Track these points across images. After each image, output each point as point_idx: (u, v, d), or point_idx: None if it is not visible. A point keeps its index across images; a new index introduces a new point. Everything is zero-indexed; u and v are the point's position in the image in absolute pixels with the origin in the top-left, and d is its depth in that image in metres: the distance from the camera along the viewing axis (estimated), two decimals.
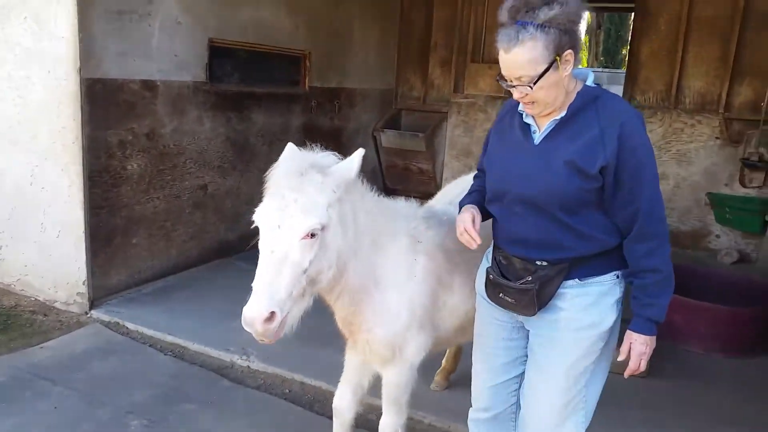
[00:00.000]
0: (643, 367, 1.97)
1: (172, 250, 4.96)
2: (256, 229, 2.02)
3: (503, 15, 1.85)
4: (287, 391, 3.56)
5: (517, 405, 2.23)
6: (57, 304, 4.38)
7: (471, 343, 2.36)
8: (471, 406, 2.35)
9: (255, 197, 6.26)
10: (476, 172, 2.38)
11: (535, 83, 1.81)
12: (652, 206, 1.88)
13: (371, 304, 2.30)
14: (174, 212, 4.91)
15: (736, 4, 6.35)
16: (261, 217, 1.97)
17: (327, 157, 2.11)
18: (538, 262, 1.97)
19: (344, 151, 2.15)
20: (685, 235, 6.66)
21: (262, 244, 1.94)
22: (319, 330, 4.11)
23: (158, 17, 4.50)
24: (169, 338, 4.01)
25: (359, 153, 2.13)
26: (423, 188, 7.70)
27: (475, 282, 2.31)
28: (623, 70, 16.18)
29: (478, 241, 2.01)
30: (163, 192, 4.76)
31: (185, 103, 4.84)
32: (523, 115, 2.01)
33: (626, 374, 2.02)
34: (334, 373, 3.53)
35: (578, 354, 1.99)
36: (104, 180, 4.28)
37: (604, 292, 1.98)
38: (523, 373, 2.18)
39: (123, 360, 3.75)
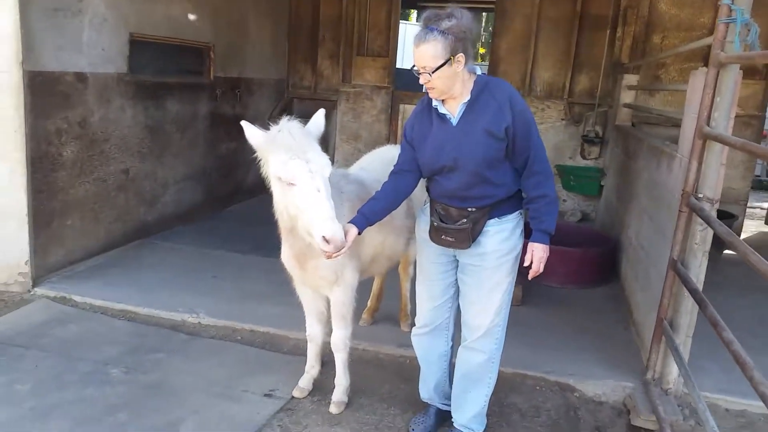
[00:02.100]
0: (541, 268, 2.72)
1: (101, 231, 5.32)
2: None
3: (423, 20, 2.58)
4: (239, 338, 4.16)
5: (451, 318, 3.06)
6: None
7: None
8: (414, 326, 3.15)
9: (169, 180, 6.72)
10: (395, 168, 2.95)
11: (433, 72, 2.52)
12: (537, 151, 2.66)
13: None
14: (101, 195, 5.27)
15: (574, 7, 7.68)
16: (297, 171, 2.58)
17: (300, 123, 2.77)
18: (470, 209, 2.72)
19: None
20: None
21: (306, 187, 2.58)
22: (252, 290, 4.85)
23: (88, 14, 4.84)
24: (118, 306, 4.44)
25: (321, 112, 2.87)
26: None
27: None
28: (480, 63, 17.76)
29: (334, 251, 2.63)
30: (92, 176, 5.12)
31: (110, 93, 5.21)
32: (438, 108, 2.70)
33: (530, 276, 2.76)
34: (277, 320, 4.28)
35: (502, 274, 2.80)
36: (44, 166, 4.59)
37: (514, 226, 2.79)
38: (453, 295, 2.99)
39: (82, 326, 4.15)
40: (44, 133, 4.58)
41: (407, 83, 7.90)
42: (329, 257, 2.66)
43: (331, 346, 3.34)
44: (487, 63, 8.96)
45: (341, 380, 3.39)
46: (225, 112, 7.09)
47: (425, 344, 3.13)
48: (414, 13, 17.82)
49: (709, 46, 3.40)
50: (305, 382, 3.49)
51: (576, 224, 7.43)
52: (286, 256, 3.14)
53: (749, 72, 6.73)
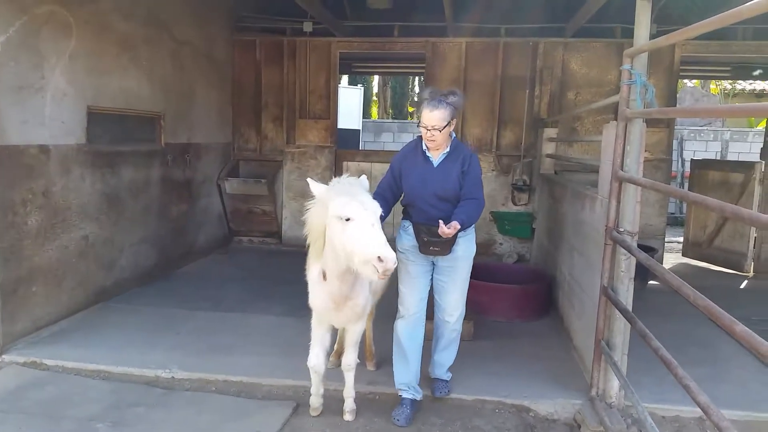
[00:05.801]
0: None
1: (63, 296, 5.43)
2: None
3: (430, 94, 3.73)
4: (214, 389, 4.35)
5: (425, 310, 4.03)
6: None
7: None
8: (398, 313, 4.02)
9: (125, 244, 6.92)
10: (381, 187, 3.98)
11: (440, 131, 3.64)
12: (475, 189, 3.83)
13: (360, 282, 3.56)
14: (63, 262, 5.40)
15: (496, 70, 8.47)
16: (354, 209, 3.11)
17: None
18: None
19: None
20: (479, 245, 8.49)
21: (361, 222, 3.10)
22: (218, 343, 5.08)
23: (50, 90, 5.10)
24: (91, 366, 4.55)
25: (364, 177, 3.51)
26: (266, 228, 8.74)
27: None
28: (410, 120, 18.64)
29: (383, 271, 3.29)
30: (54, 243, 5.26)
31: (71, 163, 5.42)
32: (425, 151, 3.83)
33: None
34: (249, 369, 4.55)
35: (465, 270, 3.98)
36: (11, 235, 4.73)
37: (472, 237, 3.99)
38: (428, 293, 4.00)
39: (58, 387, 4.26)
40: (11, 204, 4.74)
41: (347, 143, 8.38)
42: (381, 277, 3.16)
43: (344, 366, 3.96)
44: None
45: (350, 392, 3.99)
46: (176, 176, 7.35)
47: (410, 330, 4.00)
48: (346, 78, 18.48)
49: (617, 103, 4.04)
50: (316, 402, 4.00)
51: (516, 264, 8.01)
52: (323, 299, 3.62)
53: (654, 122, 7.63)
